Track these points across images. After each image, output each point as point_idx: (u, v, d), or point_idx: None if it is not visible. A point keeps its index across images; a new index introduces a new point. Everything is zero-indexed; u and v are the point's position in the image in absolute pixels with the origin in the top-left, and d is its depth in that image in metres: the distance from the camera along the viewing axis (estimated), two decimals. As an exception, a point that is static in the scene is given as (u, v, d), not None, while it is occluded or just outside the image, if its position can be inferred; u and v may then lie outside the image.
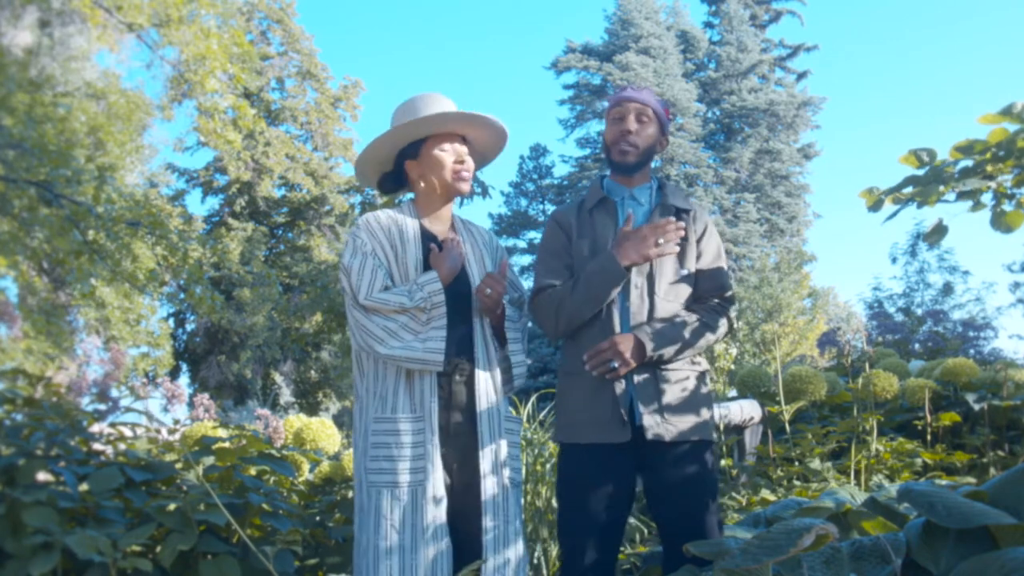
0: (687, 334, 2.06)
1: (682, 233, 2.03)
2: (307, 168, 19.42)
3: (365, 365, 2.13)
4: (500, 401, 2.11)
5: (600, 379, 2.03)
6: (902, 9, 47.01)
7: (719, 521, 2.07)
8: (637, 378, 2.04)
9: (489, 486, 2.04)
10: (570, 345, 2.14)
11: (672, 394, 2.05)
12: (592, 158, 26.22)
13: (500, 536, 2.03)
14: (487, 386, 2.09)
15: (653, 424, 2.00)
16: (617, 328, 2.06)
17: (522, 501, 2.23)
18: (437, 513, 1.99)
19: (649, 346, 2.00)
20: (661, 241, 2.00)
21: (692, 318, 2.09)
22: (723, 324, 2.13)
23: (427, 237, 2.19)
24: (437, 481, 2.00)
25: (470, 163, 2.20)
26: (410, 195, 2.29)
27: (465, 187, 2.19)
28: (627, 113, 2.16)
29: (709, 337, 2.10)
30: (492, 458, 2.05)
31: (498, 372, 2.13)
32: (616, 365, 1.99)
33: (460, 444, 2.07)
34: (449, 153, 2.18)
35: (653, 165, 2.27)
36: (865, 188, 1.95)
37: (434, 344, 2.03)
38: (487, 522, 2.03)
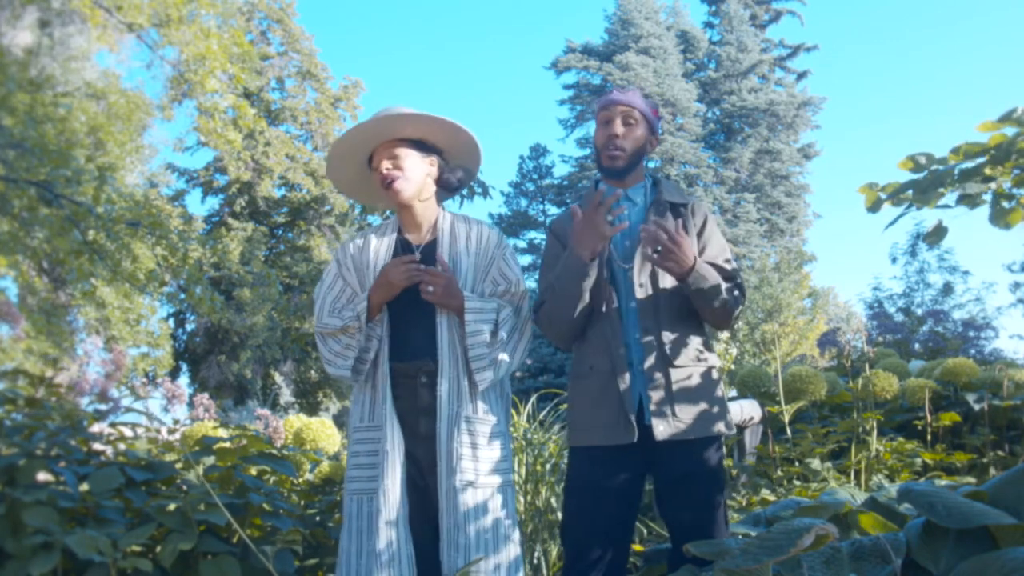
0: (721, 289, 2.02)
1: (664, 237, 1.96)
2: (307, 168, 19.39)
3: None
4: (464, 401, 2.09)
5: (607, 381, 2.03)
6: (902, 9, 47.02)
7: (726, 518, 2.06)
8: (645, 376, 2.03)
9: (444, 487, 2.04)
10: (577, 348, 2.13)
11: (681, 391, 2.03)
12: (592, 158, 26.15)
13: (453, 537, 2.02)
14: (449, 387, 2.08)
15: (662, 424, 1.99)
16: (624, 328, 2.06)
17: (516, 502, 2.24)
18: (395, 517, 2.00)
19: (700, 265, 1.98)
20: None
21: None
22: (735, 308, 2.10)
23: (402, 247, 2.22)
24: (394, 486, 2.02)
25: (395, 165, 2.16)
26: None
27: (397, 194, 2.16)
28: (613, 116, 2.14)
29: (730, 307, 2.06)
30: (447, 460, 2.05)
31: (464, 373, 2.12)
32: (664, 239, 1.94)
33: (428, 447, 2.08)
34: (379, 171, 2.19)
35: (652, 165, 2.27)
36: (864, 184, 1.95)
37: (347, 360, 2.12)
38: (443, 522, 2.03)
